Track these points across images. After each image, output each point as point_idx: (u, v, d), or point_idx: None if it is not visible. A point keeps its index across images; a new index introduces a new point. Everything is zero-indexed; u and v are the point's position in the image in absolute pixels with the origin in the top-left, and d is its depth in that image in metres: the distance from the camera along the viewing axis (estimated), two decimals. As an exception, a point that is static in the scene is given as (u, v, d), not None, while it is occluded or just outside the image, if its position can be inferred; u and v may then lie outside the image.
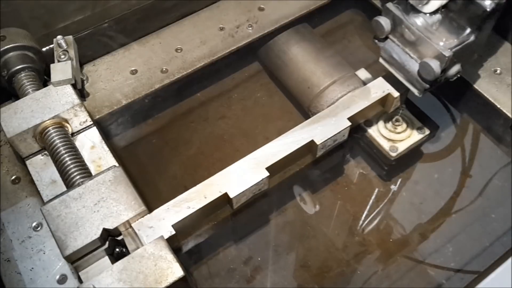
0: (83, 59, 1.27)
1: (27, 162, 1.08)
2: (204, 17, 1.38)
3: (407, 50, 1.04)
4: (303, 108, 1.30)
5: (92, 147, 1.09)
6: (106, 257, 0.96)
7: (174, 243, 1.02)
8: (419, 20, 1.00)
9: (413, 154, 1.22)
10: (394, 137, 1.19)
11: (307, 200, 1.17)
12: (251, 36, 1.32)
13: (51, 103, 1.07)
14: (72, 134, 1.10)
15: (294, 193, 1.17)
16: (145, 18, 1.33)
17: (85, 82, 1.24)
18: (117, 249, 0.97)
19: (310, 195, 1.17)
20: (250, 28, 1.33)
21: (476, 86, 1.21)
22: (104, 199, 0.96)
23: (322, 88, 1.24)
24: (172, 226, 0.98)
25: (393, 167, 1.21)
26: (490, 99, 1.19)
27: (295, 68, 1.31)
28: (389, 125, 1.21)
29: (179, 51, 1.30)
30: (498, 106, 1.18)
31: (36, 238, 1.01)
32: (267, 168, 1.05)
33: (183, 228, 1.04)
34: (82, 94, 1.21)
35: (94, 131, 1.11)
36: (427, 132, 1.20)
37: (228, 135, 1.31)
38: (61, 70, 1.11)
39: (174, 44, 1.32)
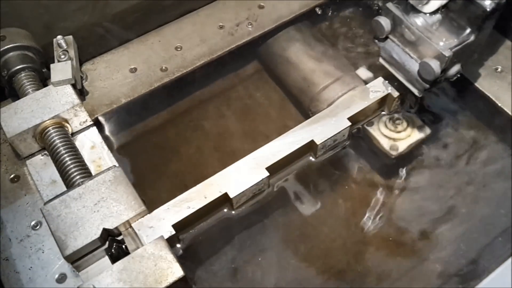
0: (82, 58, 1.26)
1: (27, 162, 1.08)
2: (203, 15, 1.37)
3: (407, 50, 1.04)
4: (303, 108, 1.30)
5: (92, 147, 1.09)
6: (106, 257, 0.96)
7: (174, 243, 1.03)
8: (419, 20, 1.00)
9: (414, 153, 1.21)
10: (395, 136, 1.19)
11: (307, 199, 1.17)
12: (251, 35, 1.32)
13: (51, 103, 1.07)
14: (72, 134, 1.10)
15: (294, 192, 1.17)
16: (145, 16, 1.32)
17: (83, 80, 1.23)
18: (115, 246, 0.97)
19: (310, 195, 1.17)
20: (250, 26, 1.33)
21: (477, 84, 1.21)
22: (104, 199, 0.96)
23: (322, 87, 1.24)
24: (172, 226, 0.98)
25: (394, 166, 1.21)
26: (491, 97, 1.19)
27: (295, 67, 1.31)
28: (390, 124, 1.20)
29: (179, 49, 1.30)
30: (499, 104, 1.18)
31: (35, 237, 1.01)
32: (267, 168, 1.06)
33: (183, 228, 1.04)
34: (81, 92, 1.21)
35: (94, 131, 1.11)
36: (428, 131, 1.20)
37: (228, 135, 1.31)
38: (61, 70, 1.11)
39: (174, 42, 1.31)
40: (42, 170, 1.07)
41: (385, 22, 1.03)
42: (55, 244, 0.93)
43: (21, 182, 1.09)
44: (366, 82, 1.22)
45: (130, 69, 1.27)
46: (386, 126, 1.20)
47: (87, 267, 0.96)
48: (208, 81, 1.38)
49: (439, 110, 1.27)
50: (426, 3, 0.97)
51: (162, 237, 0.93)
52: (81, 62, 1.27)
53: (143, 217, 0.97)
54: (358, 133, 1.22)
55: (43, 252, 0.99)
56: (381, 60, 1.11)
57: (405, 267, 1.08)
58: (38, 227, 1.02)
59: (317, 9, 1.38)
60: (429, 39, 0.98)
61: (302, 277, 1.09)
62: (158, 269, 0.88)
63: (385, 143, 1.18)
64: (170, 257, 0.89)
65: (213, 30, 1.33)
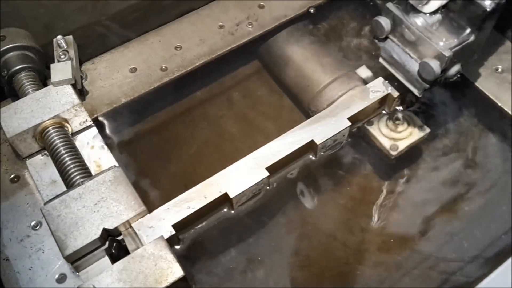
0: (82, 58, 1.26)
1: (27, 162, 1.08)
2: (203, 15, 1.37)
3: (407, 50, 1.04)
4: (303, 107, 1.30)
5: (92, 147, 1.09)
6: (106, 257, 0.96)
7: (174, 243, 1.03)
8: (419, 20, 1.00)
9: (414, 153, 1.21)
10: (395, 136, 1.19)
11: (307, 199, 1.17)
12: (251, 34, 1.32)
13: (51, 103, 1.07)
14: (72, 134, 1.09)
15: (294, 192, 1.17)
16: (144, 16, 1.32)
17: (83, 80, 1.23)
18: (115, 246, 0.97)
19: (310, 194, 1.17)
20: (250, 26, 1.33)
21: (477, 84, 1.21)
22: (104, 199, 0.96)
23: (322, 86, 1.24)
24: (172, 226, 0.98)
25: (394, 166, 1.21)
26: (491, 97, 1.19)
27: (295, 66, 1.31)
28: (390, 123, 1.20)
29: (179, 49, 1.30)
30: (500, 104, 1.18)
31: (35, 237, 1.01)
32: (267, 168, 1.05)
33: (183, 228, 1.04)
34: (81, 92, 1.21)
35: (94, 131, 1.11)
36: (428, 130, 1.20)
37: (228, 134, 1.31)
38: (61, 70, 1.10)
39: (174, 42, 1.31)
40: (42, 170, 1.07)
41: (385, 22, 1.03)
42: (55, 244, 0.93)
43: (21, 182, 1.09)
44: (366, 81, 1.22)
45: (130, 69, 1.27)
46: (386, 125, 1.20)
47: (87, 267, 0.96)
48: (208, 81, 1.38)
49: (439, 110, 1.27)
50: (426, 3, 0.97)
51: (162, 237, 0.93)
52: (81, 62, 1.26)
53: (143, 217, 0.97)
54: (358, 132, 1.22)
55: (43, 252, 0.99)
56: (381, 60, 1.11)
57: (405, 267, 1.08)
58: (38, 227, 1.02)
59: (312, 9, 1.37)
60: (429, 39, 0.98)
61: (301, 277, 1.09)
62: (158, 269, 0.88)
63: (385, 143, 1.18)
64: (170, 257, 0.89)
65: (213, 30, 1.33)
